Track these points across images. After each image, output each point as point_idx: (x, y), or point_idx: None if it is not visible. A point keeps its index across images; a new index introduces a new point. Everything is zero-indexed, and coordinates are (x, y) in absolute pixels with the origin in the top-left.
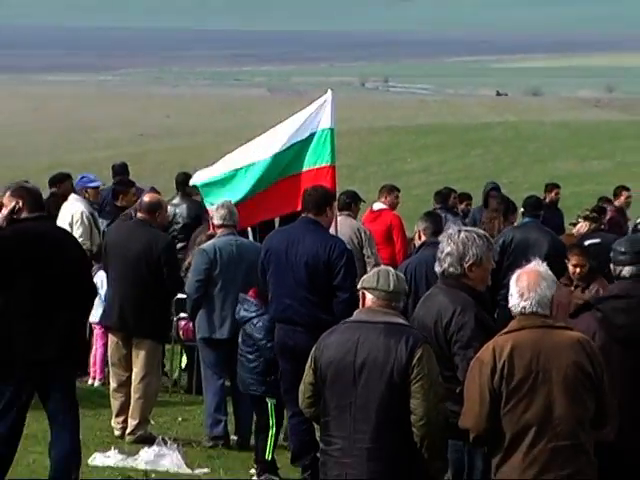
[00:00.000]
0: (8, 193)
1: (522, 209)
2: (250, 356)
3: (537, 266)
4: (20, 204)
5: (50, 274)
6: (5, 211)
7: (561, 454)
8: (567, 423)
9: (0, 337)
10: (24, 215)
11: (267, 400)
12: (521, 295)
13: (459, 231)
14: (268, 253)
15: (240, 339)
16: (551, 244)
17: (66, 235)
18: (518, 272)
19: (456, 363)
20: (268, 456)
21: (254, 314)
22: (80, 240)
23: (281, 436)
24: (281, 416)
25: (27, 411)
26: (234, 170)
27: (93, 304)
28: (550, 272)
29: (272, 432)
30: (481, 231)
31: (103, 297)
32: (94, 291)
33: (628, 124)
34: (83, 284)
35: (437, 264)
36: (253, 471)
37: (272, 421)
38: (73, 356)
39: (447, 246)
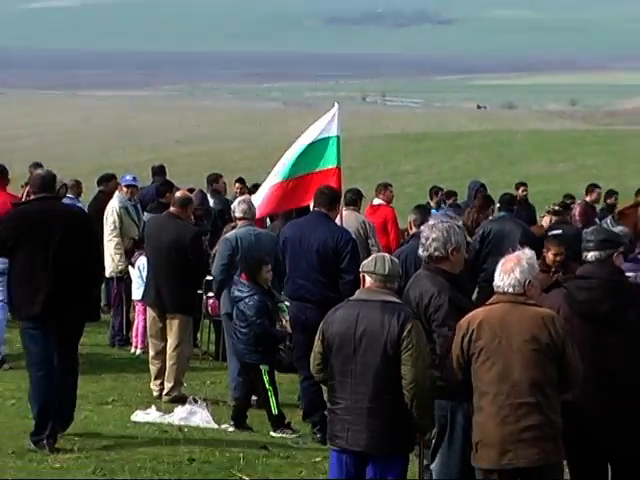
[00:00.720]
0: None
1: (498, 204)
2: (243, 330)
3: (520, 254)
4: (29, 189)
5: (48, 242)
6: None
7: (518, 410)
8: (522, 384)
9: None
10: (32, 197)
11: (260, 367)
12: (498, 276)
13: (442, 221)
14: (285, 241)
15: (234, 314)
16: (523, 234)
17: (68, 211)
18: (504, 257)
19: (434, 338)
20: (275, 411)
21: (246, 294)
22: (111, 229)
23: (295, 397)
24: (274, 378)
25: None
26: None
27: (98, 268)
28: (531, 260)
29: (270, 393)
30: (459, 223)
31: (144, 278)
32: (94, 257)
33: (588, 132)
34: (86, 252)
35: (422, 249)
36: (226, 425)
37: (268, 384)
38: (66, 315)
39: (432, 233)
